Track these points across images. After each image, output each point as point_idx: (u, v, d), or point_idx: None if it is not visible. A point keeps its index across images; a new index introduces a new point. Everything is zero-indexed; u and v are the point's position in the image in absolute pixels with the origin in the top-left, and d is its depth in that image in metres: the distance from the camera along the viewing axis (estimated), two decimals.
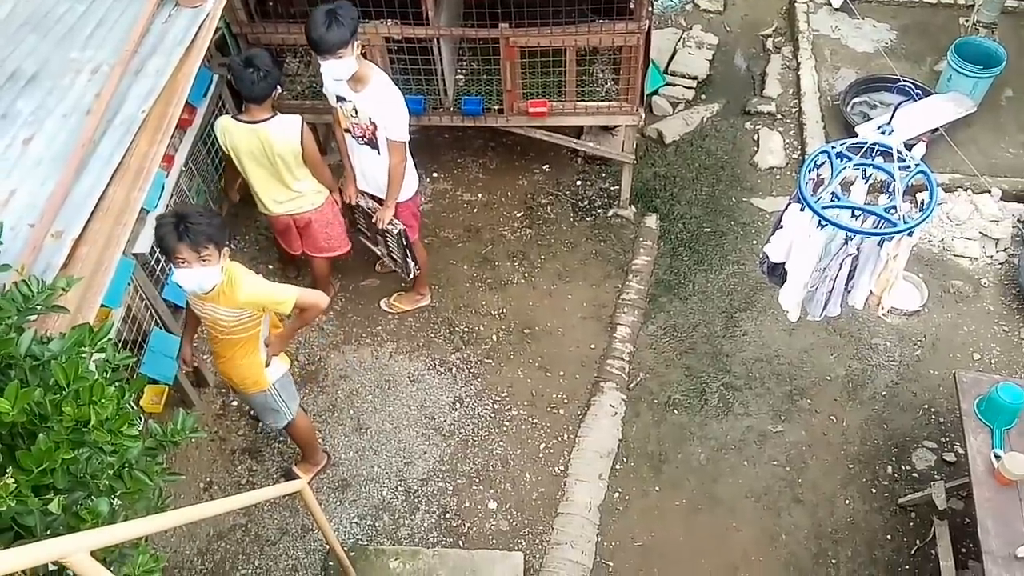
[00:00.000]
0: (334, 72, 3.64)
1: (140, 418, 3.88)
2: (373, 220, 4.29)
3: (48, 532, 1.91)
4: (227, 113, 5.03)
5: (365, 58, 3.88)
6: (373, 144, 4.00)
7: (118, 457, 2.06)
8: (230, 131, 3.94)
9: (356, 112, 3.89)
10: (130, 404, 2.19)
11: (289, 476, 4.13)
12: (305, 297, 3.37)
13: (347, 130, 4.03)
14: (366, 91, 3.79)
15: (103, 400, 2.00)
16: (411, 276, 4.61)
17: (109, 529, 1.90)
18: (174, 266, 3.07)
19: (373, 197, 4.29)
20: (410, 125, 4.02)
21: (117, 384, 2.17)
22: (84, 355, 2.17)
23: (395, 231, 4.26)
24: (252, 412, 4.34)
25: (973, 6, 5.81)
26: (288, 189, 4.13)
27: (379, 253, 4.64)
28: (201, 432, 2.42)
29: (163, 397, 3.97)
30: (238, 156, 4.00)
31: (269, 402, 3.68)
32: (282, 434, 4.28)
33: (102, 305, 2.91)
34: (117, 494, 2.11)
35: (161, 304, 4.12)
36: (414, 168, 4.23)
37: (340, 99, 3.91)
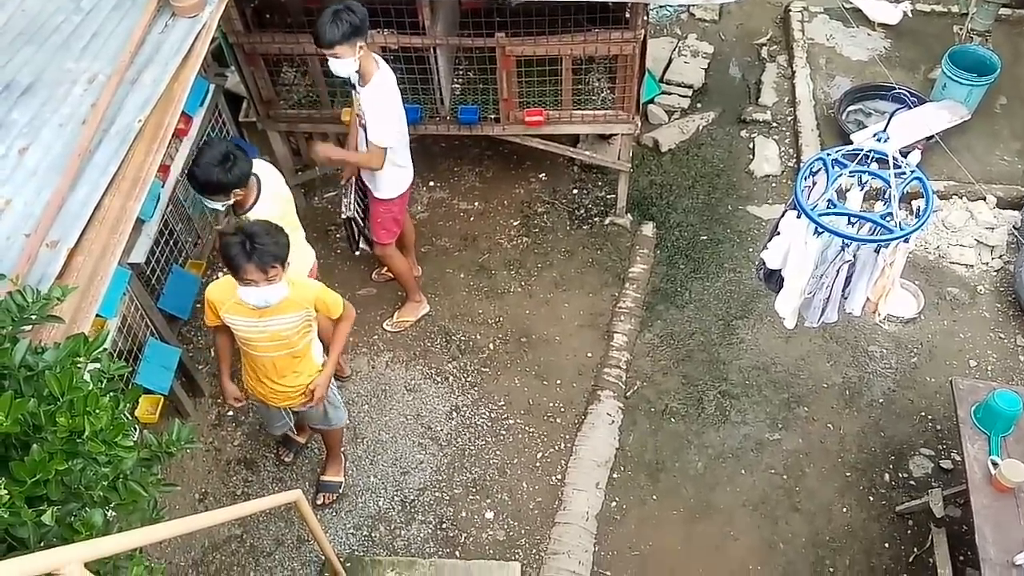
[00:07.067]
0: (333, 67, 3.70)
1: (135, 428, 3.85)
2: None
3: (42, 544, 1.90)
4: (224, 124, 5.05)
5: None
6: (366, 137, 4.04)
7: (112, 468, 2.05)
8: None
9: (360, 104, 3.94)
10: (125, 414, 2.19)
11: (320, 488, 4.16)
12: (349, 307, 3.45)
13: (357, 115, 4.06)
14: (366, 88, 3.83)
15: (98, 411, 1.99)
16: (356, 253, 4.61)
17: (103, 540, 1.89)
18: (238, 282, 3.05)
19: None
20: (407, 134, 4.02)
21: (112, 394, 2.17)
22: (79, 365, 2.17)
23: (344, 216, 4.29)
24: (261, 424, 4.32)
25: (967, 14, 5.84)
26: None
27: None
28: (196, 443, 2.41)
29: (158, 407, 3.96)
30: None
31: (333, 400, 3.73)
32: (277, 443, 4.28)
33: (97, 315, 2.91)
34: (111, 505, 2.10)
35: (157, 314, 4.11)
36: (408, 172, 4.24)
37: (352, 86, 3.95)
